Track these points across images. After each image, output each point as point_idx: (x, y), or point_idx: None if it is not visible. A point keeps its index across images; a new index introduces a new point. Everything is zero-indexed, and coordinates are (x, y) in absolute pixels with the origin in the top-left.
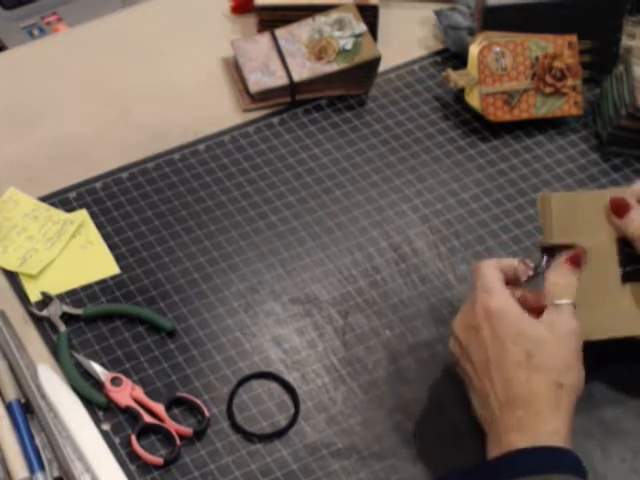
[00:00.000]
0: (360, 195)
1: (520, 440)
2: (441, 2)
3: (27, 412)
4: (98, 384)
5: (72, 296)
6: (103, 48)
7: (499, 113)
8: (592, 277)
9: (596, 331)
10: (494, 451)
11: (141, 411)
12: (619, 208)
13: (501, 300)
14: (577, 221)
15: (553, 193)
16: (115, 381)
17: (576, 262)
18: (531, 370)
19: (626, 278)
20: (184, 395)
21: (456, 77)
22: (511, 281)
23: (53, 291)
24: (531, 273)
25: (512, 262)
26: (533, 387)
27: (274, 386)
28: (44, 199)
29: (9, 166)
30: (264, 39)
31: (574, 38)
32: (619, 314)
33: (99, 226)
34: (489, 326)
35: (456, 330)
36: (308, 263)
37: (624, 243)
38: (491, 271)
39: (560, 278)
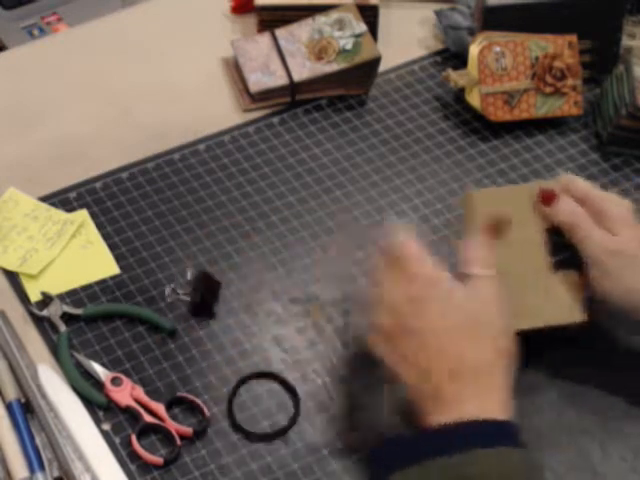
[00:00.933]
0: (360, 195)
1: (472, 410)
2: (441, 2)
3: (27, 412)
4: (98, 384)
5: (72, 296)
6: (103, 48)
7: (499, 113)
8: (523, 267)
9: (530, 320)
10: (440, 418)
11: (141, 411)
12: (547, 198)
13: (439, 272)
14: (498, 215)
15: (475, 190)
16: (115, 381)
17: (489, 233)
18: (475, 341)
19: (557, 266)
20: (184, 395)
21: (456, 77)
22: None
23: (53, 291)
24: None
25: None
26: (478, 358)
27: (274, 386)
28: (44, 199)
29: (9, 166)
30: (264, 39)
31: (574, 38)
32: (552, 303)
33: (99, 226)
34: (431, 298)
35: (397, 303)
36: (308, 263)
37: (553, 232)
38: (414, 245)
39: (475, 251)
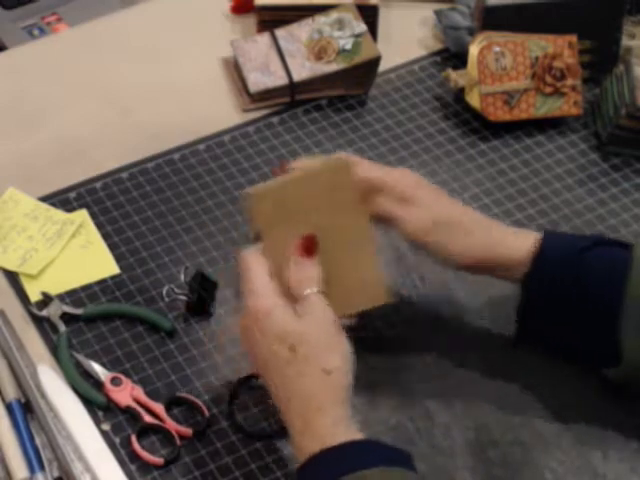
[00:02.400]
0: None
1: (309, 443)
2: (441, 2)
3: (27, 412)
4: (98, 384)
5: (72, 296)
6: (103, 48)
7: (499, 113)
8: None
9: (336, 310)
10: (298, 457)
11: (141, 411)
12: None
13: (266, 301)
14: (282, 211)
15: (253, 188)
16: (115, 381)
17: (308, 250)
18: (299, 364)
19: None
20: (184, 395)
21: (456, 77)
22: None
23: (53, 291)
24: None
25: None
26: (305, 381)
27: None
28: (44, 199)
29: (9, 166)
30: (264, 39)
31: (574, 38)
32: (355, 289)
33: (99, 226)
34: (258, 328)
35: (240, 335)
36: None
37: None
38: (256, 266)
39: (299, 272)
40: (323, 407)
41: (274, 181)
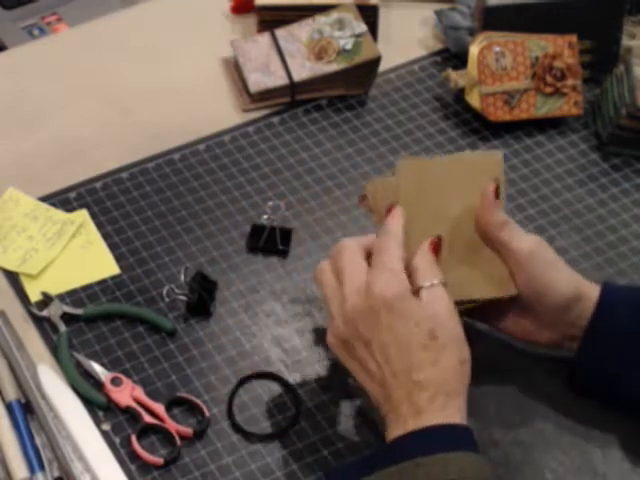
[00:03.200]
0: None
1: (434, 421)
2: (441, 2)
3: (27, 412)
4: (98, 384)
5: (72, 296)
6: (103, 48)
7: (499, 113)
8: (455, 240)
9: (462, 292)
10: (398, 431)
11: (141, 411)
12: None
13: (401, 283)
14: (426, 187)
15: (406, 158)
16: (115, 381)
17: (437, 249)
18: (436, 351)
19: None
20: (184, 395)
21: (456, 77)
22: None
23: (53, 291)
24: None
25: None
26: (441, 368)
27: (274, 386)
28: (44, 199)
29: (9, 166)
30: (264, 39)
31: (574, 38)
32: (484, 276)
33: (99, 226)
34: (390, 310)
35: (351, 313)
36: (308, 263)
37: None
38: (394, 248)
39: (428, 262)
40: (452, 393)
41: (426, 158)
